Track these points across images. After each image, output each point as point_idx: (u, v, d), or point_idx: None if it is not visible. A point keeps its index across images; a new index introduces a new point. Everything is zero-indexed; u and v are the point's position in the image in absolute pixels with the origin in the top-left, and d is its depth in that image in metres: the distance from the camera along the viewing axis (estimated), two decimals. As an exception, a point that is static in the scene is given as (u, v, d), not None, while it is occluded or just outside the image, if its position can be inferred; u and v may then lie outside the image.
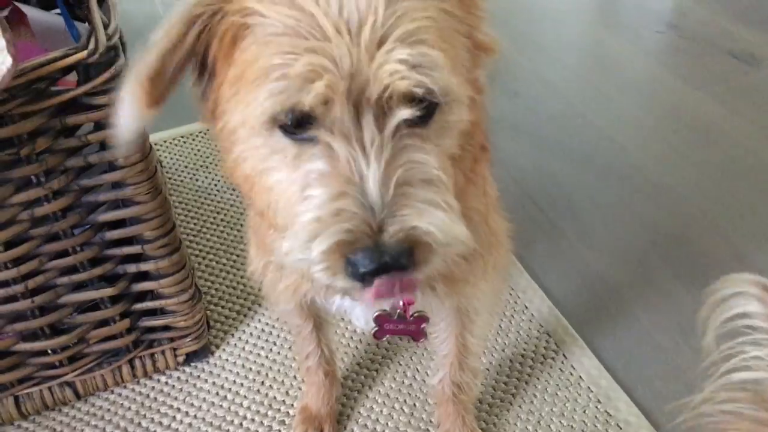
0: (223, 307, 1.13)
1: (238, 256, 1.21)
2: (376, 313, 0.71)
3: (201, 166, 1.40)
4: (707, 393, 0.49)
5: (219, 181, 1.36)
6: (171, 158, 1.42)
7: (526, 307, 1.10)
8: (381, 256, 0.45)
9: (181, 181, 1.37)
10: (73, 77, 0.79)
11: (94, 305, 0.94)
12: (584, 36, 1.74)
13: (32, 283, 0.87)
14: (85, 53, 0.75)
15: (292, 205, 0.49)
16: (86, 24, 0.91)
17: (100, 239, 0.89)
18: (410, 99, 0.47)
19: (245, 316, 1.12)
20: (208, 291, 1.16)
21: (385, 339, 0.75)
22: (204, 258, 1.21)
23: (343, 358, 1.05)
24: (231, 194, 1.33)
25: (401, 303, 0.68)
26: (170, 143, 1.45)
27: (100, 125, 0.82)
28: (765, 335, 0.47)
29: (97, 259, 0.91)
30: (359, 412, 0.99)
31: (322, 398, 0.96)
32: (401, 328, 0.72)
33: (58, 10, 1.06)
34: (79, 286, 0.91)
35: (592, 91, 1.53)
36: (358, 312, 0.73)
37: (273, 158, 0.50)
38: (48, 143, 0.79)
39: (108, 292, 0.92)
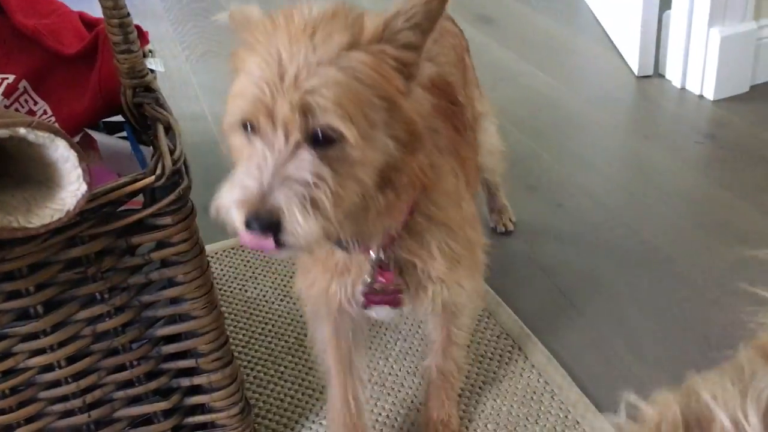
0: (270, 420, 1.13)
1: (285, 367, 1.22)
2: (364, 291, 0.88)
3: (250, 277, 1.43)
4: None
5: (268, 291, 1.39)
6: (221, 269, 1.46)
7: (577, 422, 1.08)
8: (254, 218, 0.67)
9: (231, 292, 1.40)
10: (138, 197, 0.84)
11: (147, 419, 0.95)
12: (624, 147, 1.77)
13: (90, 397, 0.90)
14: (152, 178, 0.80)
15: None
16: (150, 147, 0.97)
17: (156, 353, 0.91)
18: (307, 130, 0.68)
19: (292, 429, 1.12)
20: (256, 403, 1.16)
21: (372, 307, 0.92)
22: (252, 369, 1.23)
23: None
24: (279, 305, 1.35)
25: (382, 279, 0.86)
26: (220, 255, 1.49)
27: (161, 244, 0.86)
28: None
29: (153, 373, 0.93)
30: None
31: None
32: (382, 299, 0.89)
33: (122, 133, 1.13)
34: (134, 400, 0.93)
35: (634, 201, 1.55)
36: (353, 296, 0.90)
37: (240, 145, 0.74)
38: (113, 262, 0.83)
39: (162, 405, 0.94)
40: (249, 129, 0.70)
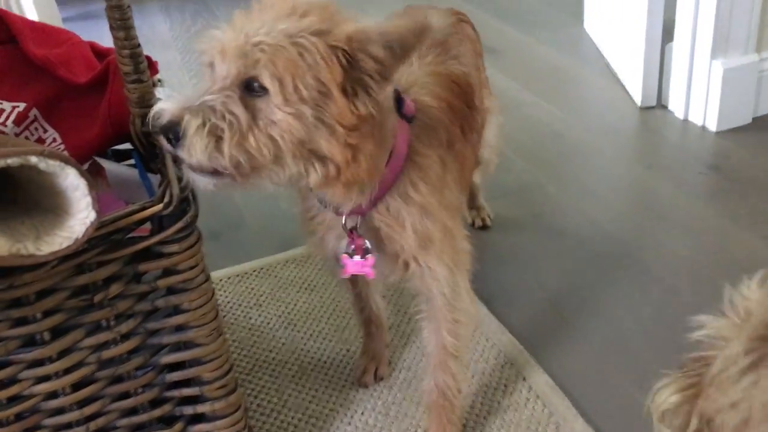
0: (273, 449, 1.13)
1: (289, 395, 1.22)
2: (343, 254, 0.98)
3: (255, 304, 1.43)
4: None
5: (272, 319, 1.39)
6: (225, 296, 1.46)
7: (583, 454, 1.07)
8: (163, 127, 0.79)
9: (235, 319, 1.40)
10: (145, 224, 0.84)
11: (150, 447, 0.95)
12: (628, 177, 1.78)
13: (93, 425, 0.89)
14: (160, 206, 0.81)
15: None
16: (158, 175, 0.98)
17: (161, 381, 0.91)
18: (239, 75, 0.79)
19: (296, 459, 1.11)
20: (260, 431, 1.16)
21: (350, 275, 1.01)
22: (256, 397, 1.22)
23: None
24: (284, 333, 1.35)
25: (352, 246, 0.96)
26: (225, 282, 1.50)
27: (168, 271, 0.86)
28: None
29: (157, 401, 0.93)
30: None
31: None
32: (358, 268, 0.97)
33: (130, 161, 1.14)
34: (138, 428, 0.93)
35: (638, 231, 1.55)
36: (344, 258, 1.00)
37: None
38: (120, 289, 0.84)
39: (165, 434, 0.93)
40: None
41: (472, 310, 1.06)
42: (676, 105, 1.98)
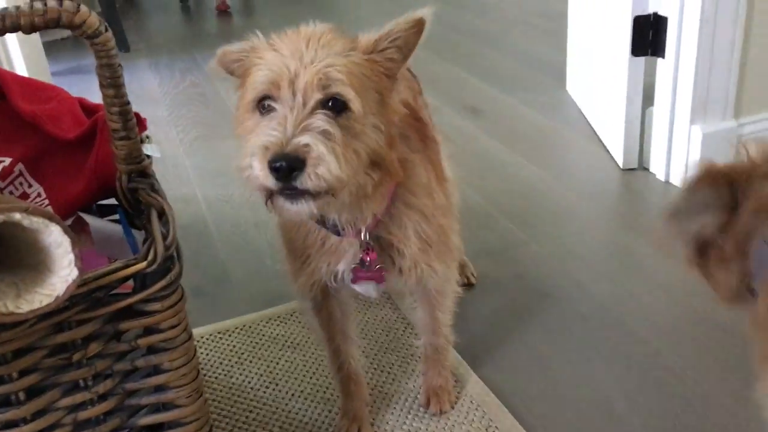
0: None
1: (269, 458, 1.19)
2: (353, 266, 1.01)
3: (236, 362, 1.41)
4: None
5: (253, 378, 1.36)
6: (206, 354, 1.44)
7: None
8: (282, 156, 0.77)
9: (216, 377, 1.38)
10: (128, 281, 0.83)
11: None
12: (611, 238, 1.79)
13: (67, 488, 0.87)
14: (144, 264, 0.80)
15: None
16: (142, 231, 0.98)
17: (137, 443, 0.89)
18: (323, 95, 0.82)
19: None
20: (238, 496, 1.13)
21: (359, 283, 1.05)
22: (234, 460, 1.19)
23: None
24: (264, 392, 1.33)
25: (368, 258, 1.00)
26: (206, 339, 1.48)
27: (149, 330, 0.85)
28: None
29: (133, 464, 0.90)
30: None
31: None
32: (369, 275, 1.02)
33: (114, 216, 1.13)
34: (112, 493, 0.90)
35: (623, 293, 1.56)
36: (346, 274, 1.03)
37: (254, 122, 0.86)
38: (99, 348, 0.82)
39: (140, 499, 0.91)
40: (266, 105, 0.83)
41: (458, 288, 1.19)
42: (657, 167, 2.01)
